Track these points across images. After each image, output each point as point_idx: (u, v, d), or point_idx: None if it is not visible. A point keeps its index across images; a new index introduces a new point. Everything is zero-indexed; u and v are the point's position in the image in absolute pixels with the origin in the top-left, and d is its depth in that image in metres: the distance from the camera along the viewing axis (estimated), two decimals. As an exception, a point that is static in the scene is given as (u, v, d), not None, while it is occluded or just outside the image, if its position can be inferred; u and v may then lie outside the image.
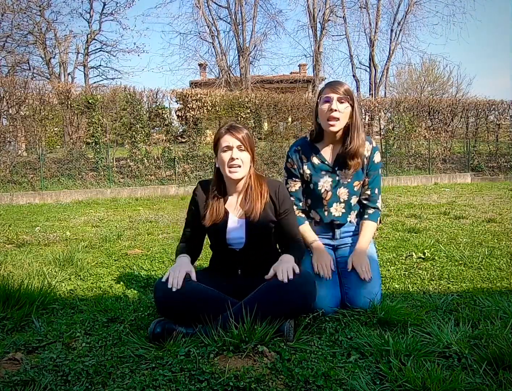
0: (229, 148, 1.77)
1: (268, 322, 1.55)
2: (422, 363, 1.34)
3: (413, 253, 2.98)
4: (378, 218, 2.13)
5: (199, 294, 1.66)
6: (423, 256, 2.91)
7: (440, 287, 2.26)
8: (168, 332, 1.58)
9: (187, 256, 1.86)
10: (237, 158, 1.76)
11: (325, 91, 1.94)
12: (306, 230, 2.09)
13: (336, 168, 2.04)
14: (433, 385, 1.20)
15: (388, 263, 2.77)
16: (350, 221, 2.14)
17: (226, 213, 1.85)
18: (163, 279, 1.67)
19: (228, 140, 1.77)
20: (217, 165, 1.85)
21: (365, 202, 2.13)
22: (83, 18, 20.65)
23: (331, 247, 2.13)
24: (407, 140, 12.77)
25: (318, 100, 1.97)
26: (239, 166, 1.77)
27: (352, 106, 1.94)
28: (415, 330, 1.61)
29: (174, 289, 1.62)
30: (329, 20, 19.34)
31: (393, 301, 1.92)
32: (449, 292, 2.15)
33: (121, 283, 2.47)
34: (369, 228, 2.08)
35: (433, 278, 2.42)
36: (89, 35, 20.56)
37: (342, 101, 1.91)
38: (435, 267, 2.66)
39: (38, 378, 1.31)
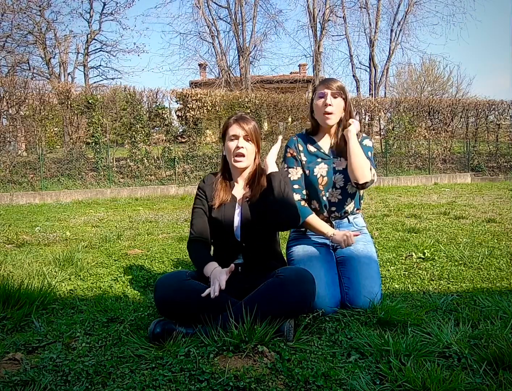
0: (236, 137, 1.86)
1: (268, 322, 1.55)
2: (422, 363, 1.34)
3: (413, 253, 2.98)
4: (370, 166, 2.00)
5: (199, 294, 1.66)
6: (423, 256, 2.91)
7: (440, 287, 2.26)
8: (168, 332, 1.58)
9: (215, 263, 1.80)
10: (242, 147, 1.85)
11: (319, 87, 2.06)
12: (315, 221, 2.05)
13: (332, 156, 2.10)
14: (433, 385, 1.20)
15: (388, 263, 2.77)
16: (347, 215, 2.13)
17: (234, 198, 1.90)
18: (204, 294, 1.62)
19: (235, 129, 1.87)
20: (224, 153, 1.95)
21: None
22: (83, 18, 20.65)
23: (330, 247, 2.13)
24: (407, 140, 12.78)
25: (313, 96, 2.08)
26: (244, 156, 1.86)
27: (345, 101, 2.05)
28: (415, 330, 1.61)
29: (212, 296, 1.59)
30: (329, 20, 19.32)
31: (393, 301, 1.92)
32: (449, 292, 2.15)
33: (121, 283, 2.47)
34: None
35: (433, 278, 2.42)
36: (89, 35, 20.55)
37: (336, 96, 2.01)
38: (435, 267, 2.66)
39: (38, 378, 1.31)
